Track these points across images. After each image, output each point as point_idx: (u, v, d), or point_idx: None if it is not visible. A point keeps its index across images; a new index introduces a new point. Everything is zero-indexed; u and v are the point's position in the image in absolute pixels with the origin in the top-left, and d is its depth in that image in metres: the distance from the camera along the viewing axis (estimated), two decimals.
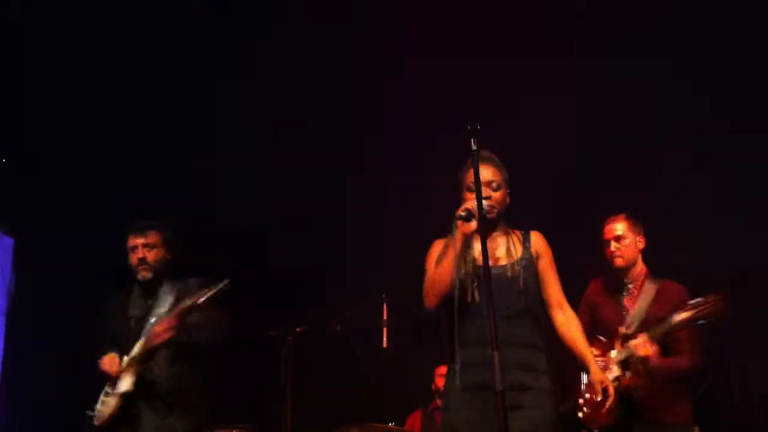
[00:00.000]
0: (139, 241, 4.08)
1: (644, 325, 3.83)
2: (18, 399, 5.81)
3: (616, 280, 4.07)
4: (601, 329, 4.00)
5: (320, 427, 5.07)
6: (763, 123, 4.89)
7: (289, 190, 6.07)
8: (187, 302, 3.84)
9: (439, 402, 5.70)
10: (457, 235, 3.05)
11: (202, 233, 5.43)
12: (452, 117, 3.11)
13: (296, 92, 5.97)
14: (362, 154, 6.09)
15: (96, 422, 3.98)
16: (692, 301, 3.70)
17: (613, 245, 4.00)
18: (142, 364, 3.93)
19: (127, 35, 5.65)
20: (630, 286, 4.01)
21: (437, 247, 3.24)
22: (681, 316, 3.68)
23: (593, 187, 5.41)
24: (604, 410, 3.35)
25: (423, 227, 6.08)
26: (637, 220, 4.09)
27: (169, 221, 4.26)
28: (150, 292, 4.10)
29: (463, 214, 3.00)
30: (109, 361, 3.98)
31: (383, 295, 4.80)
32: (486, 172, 3.17)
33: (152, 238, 4.10)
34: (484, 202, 3.00)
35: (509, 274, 3.12)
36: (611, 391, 3.26)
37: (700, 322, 3.66)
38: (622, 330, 3.89)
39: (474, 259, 3.11)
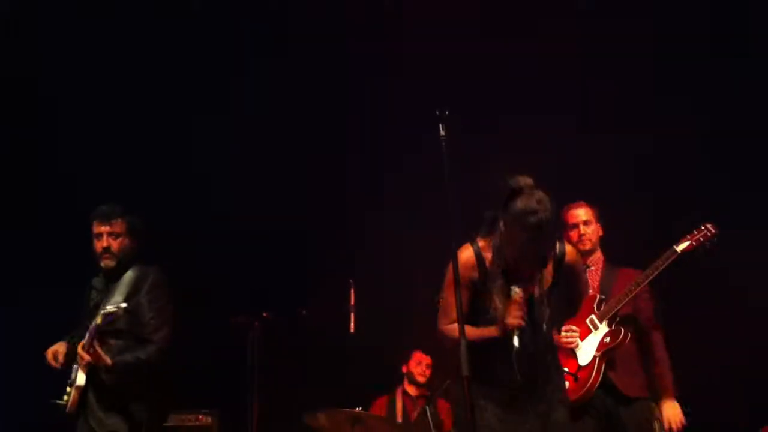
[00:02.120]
0: (104, 228, 3.98)
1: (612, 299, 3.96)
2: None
3: None
4: None
5: (287, 412, 5.06)
6: None
7: (255, 175, 6.01)
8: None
9: (407, 386, 5.68)
10: (496, 329, 3.06)
11: (168, 220, 5.35)
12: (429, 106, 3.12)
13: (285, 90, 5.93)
14: (333, 139, 6.06)
15: (66, 411, 3.88)
16: (689, 235, 3.89)
17: (582, 228, 4.13)
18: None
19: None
20: (592, 267, 4.14)
21: (463, 256, 3.11)
22: (683, 246, 3.87)
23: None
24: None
25: (392, 212, 6.17)
26: (595, 208, 4.22)
27: (135, 207, 4.15)
28: (113, 279, 4.01)
29: (515, 332, 3.01)
30: (50, 354, 3.92)
31: (350, 280, 4.78)
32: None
33: (117, 226, 3.99)
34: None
35: (538, 310, 3.13)
36: None
37: (701, 249, 3.85)
38: (596, 294, 4.01)
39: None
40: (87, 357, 3.71)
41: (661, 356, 3.97)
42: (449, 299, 3.09)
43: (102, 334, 3.77)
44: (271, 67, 5.91)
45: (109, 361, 3.72)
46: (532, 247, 2.99)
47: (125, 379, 3.80)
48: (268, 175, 6.00)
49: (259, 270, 5.93)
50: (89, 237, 4.03)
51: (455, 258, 2.97)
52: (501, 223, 3.05)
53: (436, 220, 3.15)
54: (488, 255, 3.12)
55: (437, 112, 3.08)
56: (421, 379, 5.60)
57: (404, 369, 5.70)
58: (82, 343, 3.78)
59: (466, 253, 3.14)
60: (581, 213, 4.15)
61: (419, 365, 5.63)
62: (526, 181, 3.02)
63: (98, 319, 3.71)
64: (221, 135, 5.98)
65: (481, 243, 3.15)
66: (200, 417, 5.17)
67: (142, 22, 5.61)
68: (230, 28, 5.84)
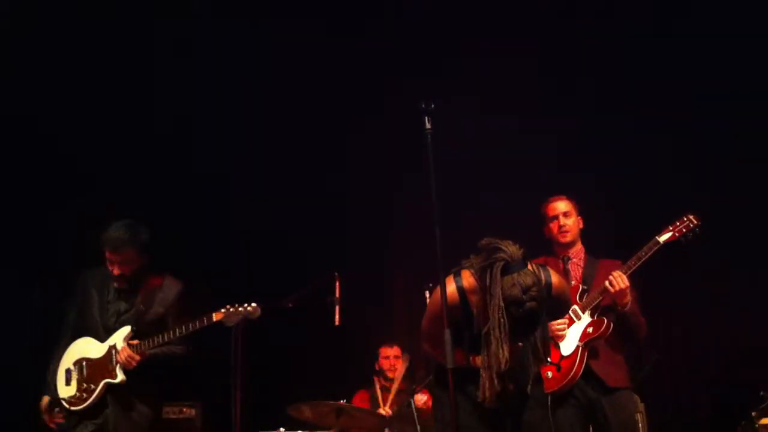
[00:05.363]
0: (115, 258, 4.12)
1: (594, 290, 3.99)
2: None
3: (557, 256, 4.19)
4: None
5: (271, 404, 5.07)
6: None
7: (245, 169, 6.01)
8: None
9: (383, 382, 5.63)
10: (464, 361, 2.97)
11: (158, 215, 5.36)
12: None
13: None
14: (327, 137, 6.09)
15: (71, 407, 4.01)
16: (671, 225, 3.92)
17: (562, 220, 4.16)
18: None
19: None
20: (573, 259, 4.17)
21: (447, 291, 2.93)
22: (665, 236, 3.91)
23: None
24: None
25: (378, 203, 6.19)
26: (575, 202, 4.25)
27: (139, 216, 4.28)
28: (130, 289, 4.21)
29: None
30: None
31: (335, 273, 4.77)
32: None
33: (126, 255, 4.12)
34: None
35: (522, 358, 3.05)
36: None
37: (683, 240, 3.90)
38: (579, 285, 4.05)
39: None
40: (137, 358, 3.99)
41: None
42: (431, 330, 3.00)
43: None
44: (270, 66, 5.95)
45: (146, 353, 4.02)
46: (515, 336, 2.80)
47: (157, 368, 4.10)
48: (262, 170, 6.06)
49: (243, 262, 5.92)
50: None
51: (443, 285, 2.89)
52: (483, 294, 2.81)
53: (421, 214, 3.15)
54: (472, 297, 2.92)
55: (423, 105, 3.08)
56: (390, 374, 5.52)
57: (377, 366, 5.67)
58: (126, 346, 3.99)
59: (449, 289, 2.93)
60: (561, 205, 4.19)
61: (387, 360, 5.58)
62: (514, 253, 2.78)
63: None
64: (219, 134, 6.00)
65: (465, 280, 2.96)
66: (184, 409, 5.18)
67: (142, 22, 5.60)
68: (229, 28, 5.84)
